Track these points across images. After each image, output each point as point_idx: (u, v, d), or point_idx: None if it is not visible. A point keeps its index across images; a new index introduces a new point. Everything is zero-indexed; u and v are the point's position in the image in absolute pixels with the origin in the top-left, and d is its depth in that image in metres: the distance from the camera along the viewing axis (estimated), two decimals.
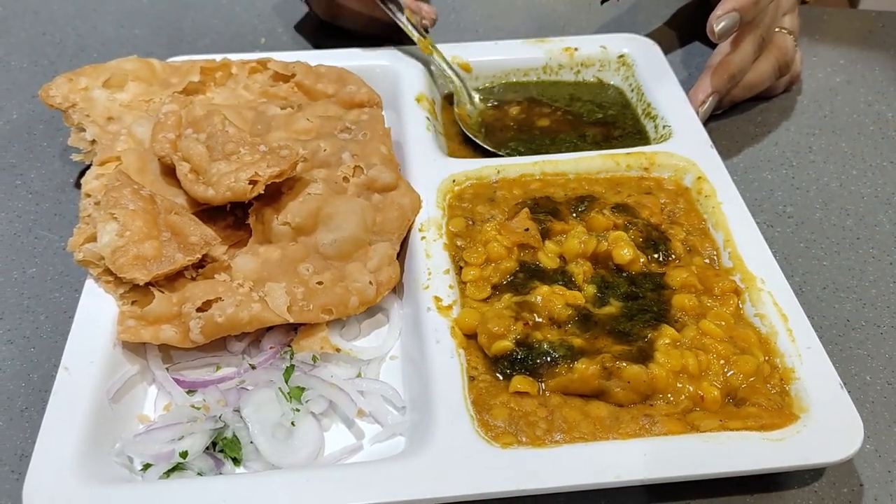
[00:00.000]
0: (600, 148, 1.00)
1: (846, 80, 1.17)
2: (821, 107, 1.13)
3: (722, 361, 0.75)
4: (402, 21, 1.08)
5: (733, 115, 1.11)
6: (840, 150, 1.06)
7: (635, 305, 0.80)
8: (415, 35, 1.08)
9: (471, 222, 0.89)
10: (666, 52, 1.15)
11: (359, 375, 0.80)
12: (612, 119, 1.07)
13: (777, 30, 1.08)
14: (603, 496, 0.70)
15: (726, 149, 1.06)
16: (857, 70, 1.18)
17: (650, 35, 1.23)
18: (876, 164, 1.04)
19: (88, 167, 0.93)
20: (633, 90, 1.10)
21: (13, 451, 0.75)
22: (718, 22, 0.98)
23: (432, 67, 1.09)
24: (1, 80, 1.17)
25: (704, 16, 1.02)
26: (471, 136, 1.02)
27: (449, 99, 1.10)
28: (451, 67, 1.08)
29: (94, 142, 0.93)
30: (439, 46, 1.10)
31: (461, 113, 1.06)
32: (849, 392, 0.72)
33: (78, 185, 1.00)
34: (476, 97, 1.08)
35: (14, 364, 0.82)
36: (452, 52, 1.11)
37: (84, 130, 0.94)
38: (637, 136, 1.04)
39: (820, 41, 1.24)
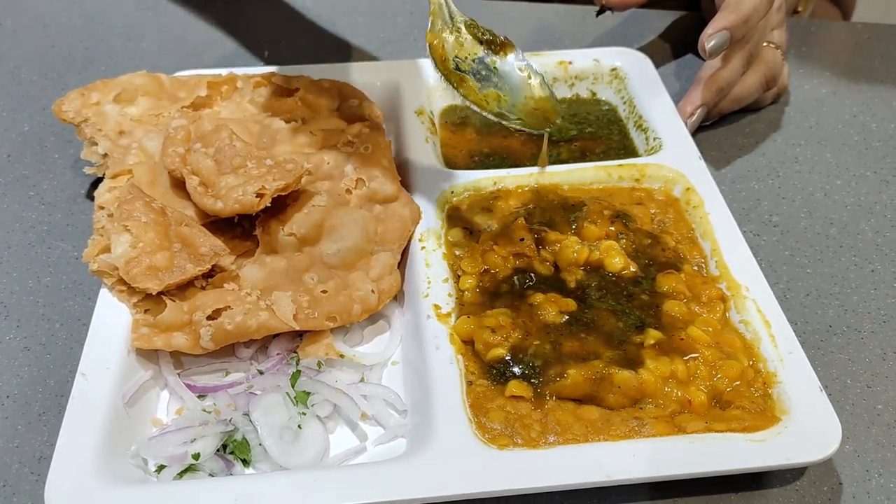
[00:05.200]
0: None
1: (832, 91, 1.20)
2: (807, 118, 1.16)
3: (708, 366, 0.78)
4: None
5: (722, 126, 1.15)
6: (825, 160, 1.09)
7: (626, 312, 0.84)
8: None
9: (469, 232, 0.92)
10: (658, 63, 1.19)
11: (362, 380, 0.83)
12: (591, 136, 1.09)
13: (765, 44, 1.12)
14: (595, 495, 0.74)
15: (715, 159, 1.09)
16: (843, 82, 1.22)
17: (643, 47, 1.27)
18: (859, 174, 1.07)
19: (100, 179, 0.97)
20: (625, 103, 1.13)
21: (32, 453, 0.79)
22: (710, 40, 1.02)
23: (430, 80, 1.12)
24: (12, 93, 1.21)
25: (697, 28, 1.06)
26: (447, 81, 0.82)
27: (447, 115, 1.13)
28: None
29: (106, 155, 0.96)
30: None
31: (434, 44, 0.83)
32: (829, 395, 0.76)
33: (89, 196, 1.04)
34: (462, 23, 0.83)
35: (31, 370, 0.85)
36: None
37: (96, 144, 0.97)
38: (623, 151, 1.07)
39: (807, 53, 1.28)
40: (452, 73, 0.81)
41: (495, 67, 0.81)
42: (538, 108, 0.80)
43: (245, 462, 0.76)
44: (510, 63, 0.80)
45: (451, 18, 0.81)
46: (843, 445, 0.76)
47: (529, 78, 0.81)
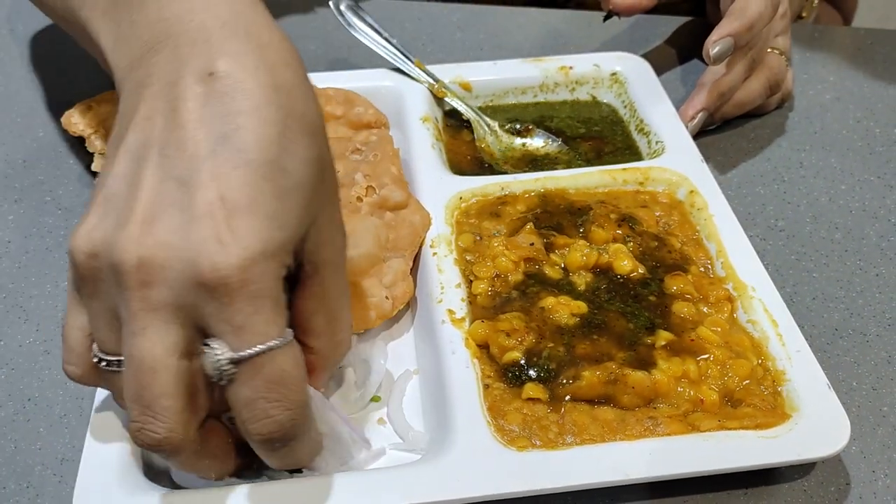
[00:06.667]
0: (592, 164, 1.06)
1: (836, 97, 1.22)
2: (811, 123, 1.18)
3: (719, 366, 0.80)
4: (415, 70, 1.14)
5: (727, 132, 1.16)
6: (830, 165, 1.11)
7: (636, 314, 0.85)
8: (429, 81, 1.14)
9: (478, 238, 0.94)
10: (664, 68, 1.20)
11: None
12: (598, 135, 1.13)
13: (769, 50, 1.14)
14: (606, 494, 0.75)
15: (721, 164, 1.11)
16: (847, 87, 1.24)
17: (648, 52, 1.28)
18: (864, 179, 1.09)
19: None
20: (625, 107, 1.15)
21: (54, 455, 0.80)
22: (714, 46, 1.03)
23: (446, 99, 1.13)
24: (26, 99, 1.22)
25: (702, 34, 1.07)
26: (502, 170, 1.06)
27: (451, 115, 1.15)
28: (464, 103, 1.13)
29: None
30: (442, 66, 1.15)
31: (483, 147, 1.10)
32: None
33: None
34: (496, 126, 1.11)
35: (51, 373, 0.87)
36: (453, 71, 1.16)
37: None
38: (627, 151, 1.10)
39: (811, 58, 1.29)
40: (499, 160, 1.09)
41: (526, 146, 1.11)
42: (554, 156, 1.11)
43: None
44: (535, 140, 1.11)
45: (488, 126, 1.11)
46: (850, 446, 0.77)
47: (546, 144, 1.11)
